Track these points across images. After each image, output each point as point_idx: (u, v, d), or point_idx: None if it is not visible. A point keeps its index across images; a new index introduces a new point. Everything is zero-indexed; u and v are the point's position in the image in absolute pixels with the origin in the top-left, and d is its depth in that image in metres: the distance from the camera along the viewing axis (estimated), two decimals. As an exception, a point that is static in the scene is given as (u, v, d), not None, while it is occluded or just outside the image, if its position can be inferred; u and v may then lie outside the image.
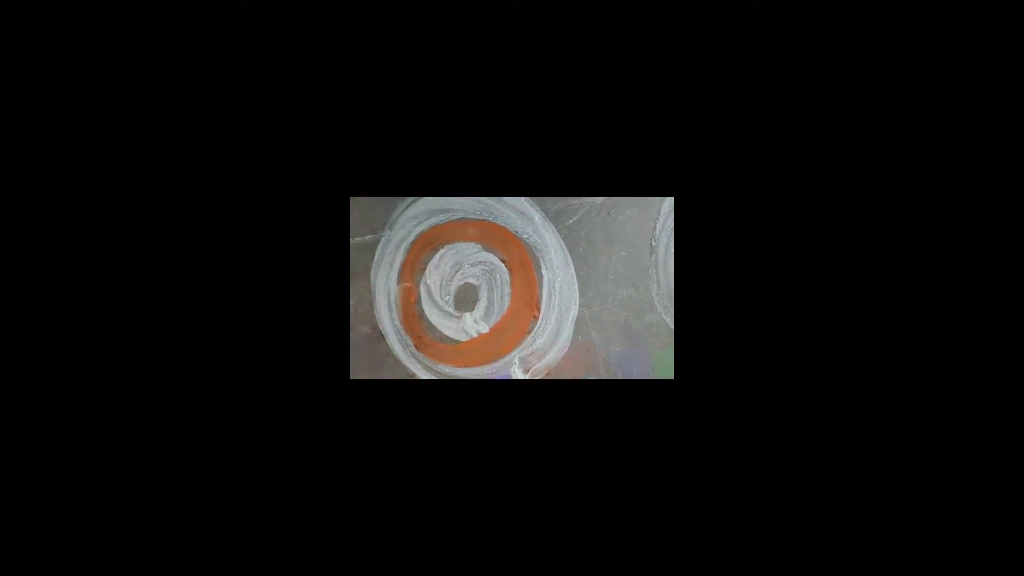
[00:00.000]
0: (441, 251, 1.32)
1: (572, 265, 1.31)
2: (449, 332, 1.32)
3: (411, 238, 1.31)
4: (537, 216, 1.30)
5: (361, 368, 1.30)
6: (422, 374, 1.32)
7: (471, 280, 1.32)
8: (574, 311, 1.32)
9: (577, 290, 1.31)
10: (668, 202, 1.28)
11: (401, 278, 1.29)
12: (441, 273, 1.32)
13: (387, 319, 1.32)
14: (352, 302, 1.29)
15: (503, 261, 1.33)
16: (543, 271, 1.32)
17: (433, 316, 1.32)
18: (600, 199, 1.29)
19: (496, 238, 1.32)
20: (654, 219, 1.29)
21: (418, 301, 1.32)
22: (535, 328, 1.32)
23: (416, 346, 1.31)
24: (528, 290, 1.32)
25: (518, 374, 1.32)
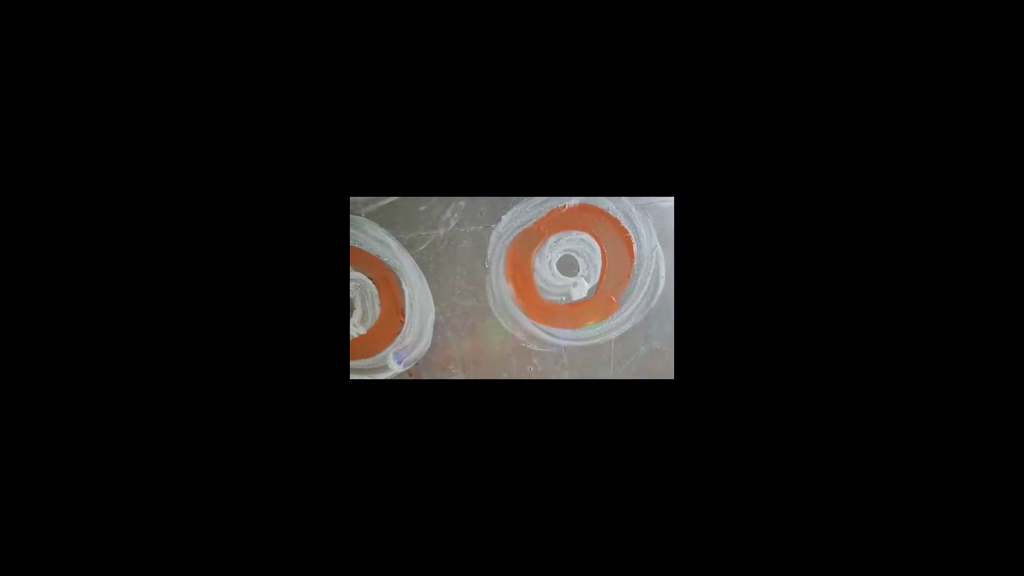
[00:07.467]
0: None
1: (425, 282, 1.60)
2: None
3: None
4: (393, 243, 1.58)
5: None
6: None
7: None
8: (431, 317, 1.62)
9: (432, 301, 1.61)
10: (496, 231, 1.52)
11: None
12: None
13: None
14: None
15: (370, 279, 1.62)
16: (403, 286, 1.61)
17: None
18: (442, 231, 1.55)
19: (361, 259, 1.61)
20: (485, 246, 1.56)
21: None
22: (403, 330, 1.64)
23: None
24: (394, 301, 1.63)
25: (393, 364, 1.66)
